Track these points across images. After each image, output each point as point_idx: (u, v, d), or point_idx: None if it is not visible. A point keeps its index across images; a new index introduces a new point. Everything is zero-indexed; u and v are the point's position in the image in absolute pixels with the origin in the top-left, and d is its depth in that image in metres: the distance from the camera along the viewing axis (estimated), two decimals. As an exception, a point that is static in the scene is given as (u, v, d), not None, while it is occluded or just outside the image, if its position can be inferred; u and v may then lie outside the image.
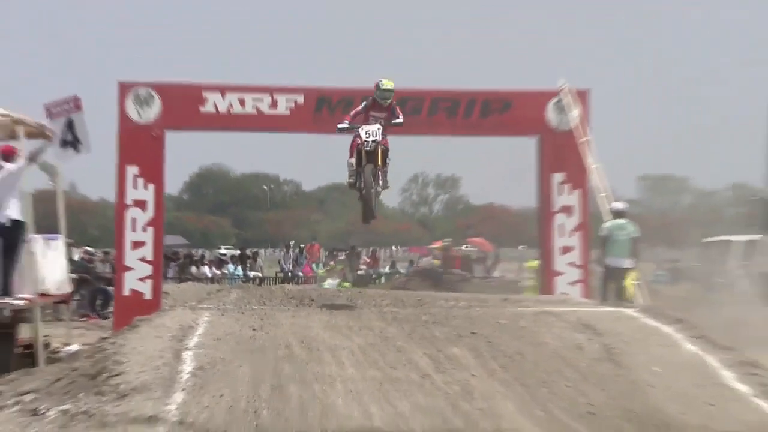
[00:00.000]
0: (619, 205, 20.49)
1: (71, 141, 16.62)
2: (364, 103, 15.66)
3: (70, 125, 16.57)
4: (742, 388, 12.08)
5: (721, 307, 26.63)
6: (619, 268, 19.85)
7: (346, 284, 34.60)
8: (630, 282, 19.77)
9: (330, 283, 35.86)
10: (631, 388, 11.90)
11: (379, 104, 15.57)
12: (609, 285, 20.01)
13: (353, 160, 15.73)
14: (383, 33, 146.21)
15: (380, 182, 15.71)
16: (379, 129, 15.47)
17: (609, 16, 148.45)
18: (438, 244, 50.56)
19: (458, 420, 10.88)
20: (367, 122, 15.56)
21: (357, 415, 10.83)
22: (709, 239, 43.73)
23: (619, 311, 15.41)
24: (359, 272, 41.64)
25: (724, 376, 12.38)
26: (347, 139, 15.82)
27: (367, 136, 15.38)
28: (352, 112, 15.81)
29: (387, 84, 15.50)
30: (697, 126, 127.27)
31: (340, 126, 15.73)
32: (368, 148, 15.39)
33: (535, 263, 36.90)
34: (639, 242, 20.30)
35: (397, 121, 15.62)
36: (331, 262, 43.57)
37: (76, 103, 16.54)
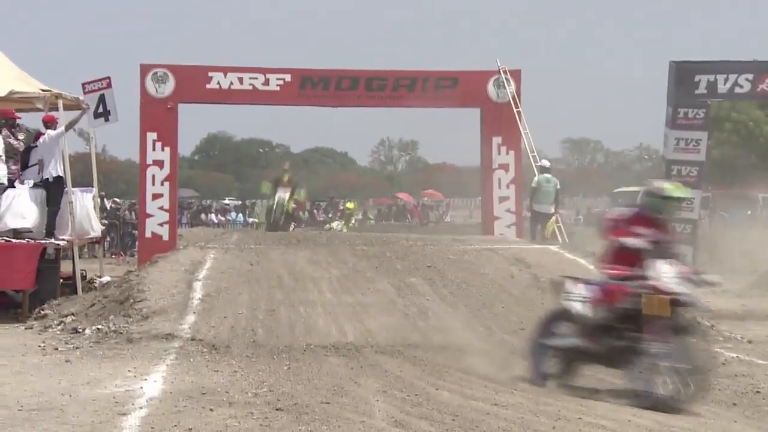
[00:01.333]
0: (545, 163, 20.56)
1: (102, 112, 16.51)
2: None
3: (102, 100, 16.49)
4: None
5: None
6: (545, 213, 19.93)
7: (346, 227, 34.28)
8: (552, 225, 19.84)
9: (337, 224, 35.49)
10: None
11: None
12: (536, 227, 20.10)
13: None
14: (354, 22, 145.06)
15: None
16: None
17: (540, 7, 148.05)
18: (403, 195, 50.61)
19: (416, 335, 10.95)
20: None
21: (334, 332, 10.88)
22: (619, 189, 44.03)
23: (545, 248, 15.52)
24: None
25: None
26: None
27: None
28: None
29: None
30: (608, 96, 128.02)
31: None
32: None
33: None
34: (560, 193, 20.36)
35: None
36: (314, 211, 43.18)
37: (107, 82, 16.52)
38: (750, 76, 21.69)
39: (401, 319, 11.38)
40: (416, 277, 12.88)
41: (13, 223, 14.24)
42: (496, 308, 11.93)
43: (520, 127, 20.11)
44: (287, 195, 22.34)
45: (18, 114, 15.43)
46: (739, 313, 15.09)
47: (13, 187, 14.62)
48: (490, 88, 20.31)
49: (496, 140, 20.20)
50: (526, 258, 13.88)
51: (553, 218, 19.93)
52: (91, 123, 16.58)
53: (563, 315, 8.76)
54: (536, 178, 20.10)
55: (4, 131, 14.82)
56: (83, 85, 16.66)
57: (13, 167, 14.84)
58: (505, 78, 20.21)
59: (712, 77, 21.78)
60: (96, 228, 16.29)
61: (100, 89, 16.42)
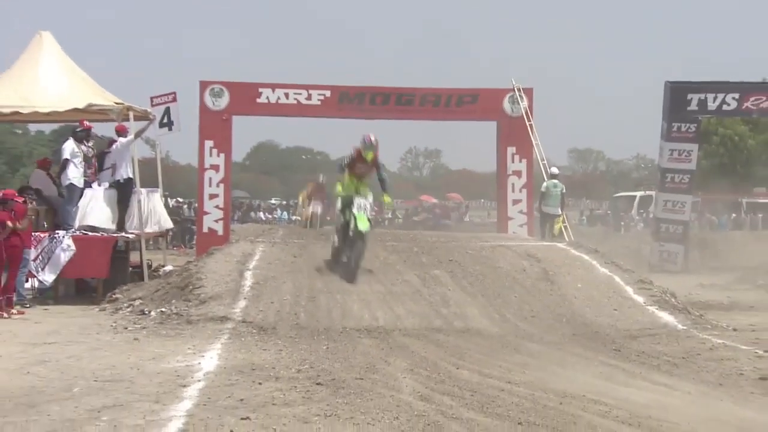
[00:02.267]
0: (554, 170, 20.45)
1: (167, 123, 16.62)
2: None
3: (167, 112, 16.60)
4: (639, 298, 12.13)
5: (625, 242, 26.73)
6: (552, 214, 19.85)
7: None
8: (559, 224, 19.74)
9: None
10: (560, 299, 11.95)
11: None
12: (545, 226, 20.01)
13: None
14: (382, 42, 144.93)
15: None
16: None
17: (552, 26, 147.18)
18: (426, 198, 50.45)
19: (438, 320, 10.92)
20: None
21: (367, 317, 10.88)
22: (618, 194, 43.73)
23: (553, 245, 15.41)
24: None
25: (626, 290, 12.42)
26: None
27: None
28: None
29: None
30: (609, 111, 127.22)
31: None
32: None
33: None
34: (566, 196, 20.28)
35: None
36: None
37: (173, 96, 16.66)
38: (736, 95, 21.58)
39: (426, 307, 11.35)
40: (439, 270, 12.84)
41: (91, 220, 14.37)
42: (510, 298, 11.88)
43: (532, 138, 20.07)
44: (369, 200, 12.43)
45: (92, 123, 15.52)
46: (725, 304, 14.96)
47: (90, 188, 14.75)
48: (506, 103, 20.26)
49: (511, 150, 20.16)
50: (536, 254, 13.80)
51: (560, 219, 19.84)
52: (156, 132, 16.72)
53: None
54: (545, 183, 20.01)
55: (85, 141, 14.93)
56: (151, 98, 16.81)
57: (89, 171, 14.97)
58: (519, 95, 20.18)
59: (702, 96, 21.69)
60: (161, 223, 16.39)
61: (166, 102, 16.56)
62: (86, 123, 14.86)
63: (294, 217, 41.56)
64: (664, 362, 8.86)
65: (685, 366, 8.68)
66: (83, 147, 14.72)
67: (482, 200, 61.18)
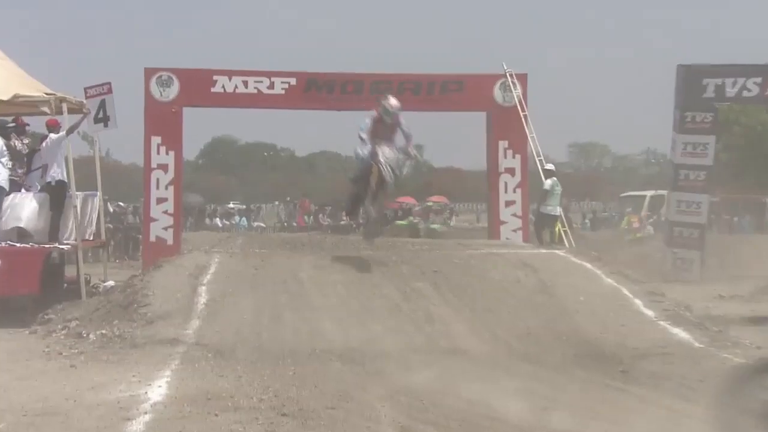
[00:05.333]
0: (550, 166, 20.61)
1: (102, 117, 16.55)
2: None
3: (102, 105, 16.54)
4: (649, 312, 12.19)
5: (632, 247, 26.89)
6: (553, 215, 19.98)
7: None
8: (559, 227, 19.87)
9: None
10: (560, 313, 11.98)
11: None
12: (543, 230, 20.13)
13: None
14: (356, 24, 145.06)
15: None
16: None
17: (544, 9, 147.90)
18: (406, 199, 50.50)
19: (421, 339, 10.93)
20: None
21: (339, 337, 10.86)
22: (626, 194, 44.01)
23: (552, 252, 15.48)
24: (341, 223, 41.31)
25: (635, 303, 12.48)
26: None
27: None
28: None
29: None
30: (614, 100, 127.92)
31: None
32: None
33: None
34: (563, 196, 20.47)
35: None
36: (320, 215, 43.09)
37: (108, 88, 16.56)
38: (758, 80, 21.68)
39: (407, 324, 11.36)
40: (422, 282, 12.84)
41: (16, 224, 14.28)
42: (502, 313, 11.90)
43: (527, 130, 20.12)
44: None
45: (23, 118, 15.47)
46: (748, 318, 15.05)
47: (19, 191, 14.68)
48: (497, 91, 20.31)
49: (503, 144, 20.19)
50: (532, 262, 13.84)
51: (560, 221, 19.98)
52: (90, 128, 16.63)
53: None
54: (549, 182, 20.13)
55: (14, 138, 14.88)
56: (85, 89, 16.71)
57: (20, 171, 14.90)
58: (512, 82, 20.22)
59: (719, 81, 21.79)
60: (100, 232, 16.32)
61: (101, 94, 16.46)
62: (21, 119, 14.82)
63: (256, 224, 41.53)
64: (679, 385, 8.92)
65: (703, 390, 8.74)
66: (17, 144, 14.67)
67: (470, 202, 61.40)
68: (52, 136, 14.84)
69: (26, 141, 15.20)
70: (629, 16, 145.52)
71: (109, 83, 16.66)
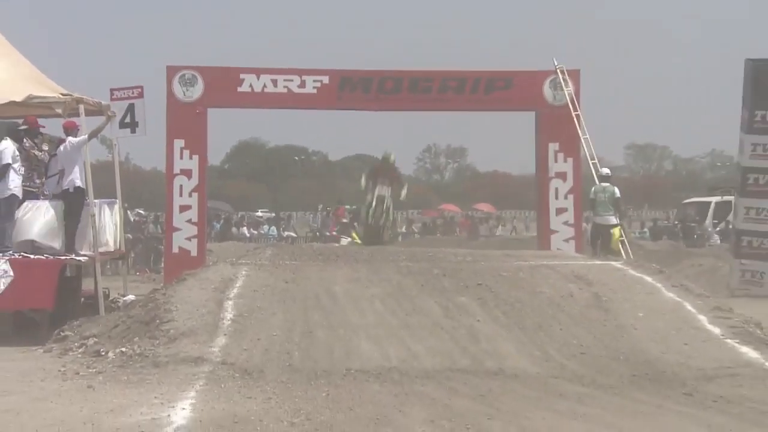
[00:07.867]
0: (605, 171, 20.50)
1: (129, 123, 16.66)
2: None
3: (131, 109, 16.64)
4: (715, 330, 12.06)
5: (698, 259, 26.63)
6: (604, 224, 19.85)
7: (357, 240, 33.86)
8: (615, 237, 19.74)
9: (344, 240, 35.33)
10: (617, 331, 11.90)
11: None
12: (596, 241, 20.02)
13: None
14: (396, 19, 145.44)
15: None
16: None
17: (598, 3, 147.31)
18: (448, 207, 50.52)
19: (465, 360, 10.91)
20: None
21: (377, 356, 10.87)
22: (688, 200, 43.65)
23: (607, 264, 15.38)
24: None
25: (699, 319, 12.36)
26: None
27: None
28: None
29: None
30: (676, 97, 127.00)
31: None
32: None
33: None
34: (621, 202, 20.28)
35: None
36: (344, 220, 43.02)
37: (139, 92, 16.69)
38: (834, 74, 21.46)
39: (449, 342, 11.34)
40: (466, 296, 12.82)
41: (31, 236, 14.39)
42: (554, 330, 11.85)
43: (579, 131, 20.00)
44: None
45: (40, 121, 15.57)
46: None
47: (36, 199, 14.78)
48: (546, 89, 20.22)
49: (553, 146, 20.09)
50: (586, 275, 13.77)
51: (616, 230, 19.85)
52: (114, 132, 16.73)
53: None
54: (593, 188, 20.06)
55: (27, 141, 14.98)
56: (112, 91, 16.84)
57: (38, 180, 15.01)
58: (563, 78, 20.12)
59: (792, 76, 21.58)
60: (120, 243, 16.43)
61: (129, 98, 16.57)
62: (35, 119, 14.93)
63: (286, 233, 41.70)
64: (750, 410, 8.84)
65: (774, 415, 8.66)
66: (37, 153, 14.80)
67: (518, 210, 61.25)
68: (71, 139, 14.86)
69: (45, 147, 15.26)
70: (694, 4, 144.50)
71: (141, 87, 16.76)
